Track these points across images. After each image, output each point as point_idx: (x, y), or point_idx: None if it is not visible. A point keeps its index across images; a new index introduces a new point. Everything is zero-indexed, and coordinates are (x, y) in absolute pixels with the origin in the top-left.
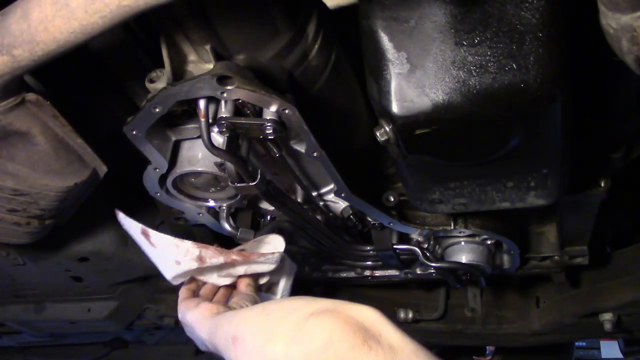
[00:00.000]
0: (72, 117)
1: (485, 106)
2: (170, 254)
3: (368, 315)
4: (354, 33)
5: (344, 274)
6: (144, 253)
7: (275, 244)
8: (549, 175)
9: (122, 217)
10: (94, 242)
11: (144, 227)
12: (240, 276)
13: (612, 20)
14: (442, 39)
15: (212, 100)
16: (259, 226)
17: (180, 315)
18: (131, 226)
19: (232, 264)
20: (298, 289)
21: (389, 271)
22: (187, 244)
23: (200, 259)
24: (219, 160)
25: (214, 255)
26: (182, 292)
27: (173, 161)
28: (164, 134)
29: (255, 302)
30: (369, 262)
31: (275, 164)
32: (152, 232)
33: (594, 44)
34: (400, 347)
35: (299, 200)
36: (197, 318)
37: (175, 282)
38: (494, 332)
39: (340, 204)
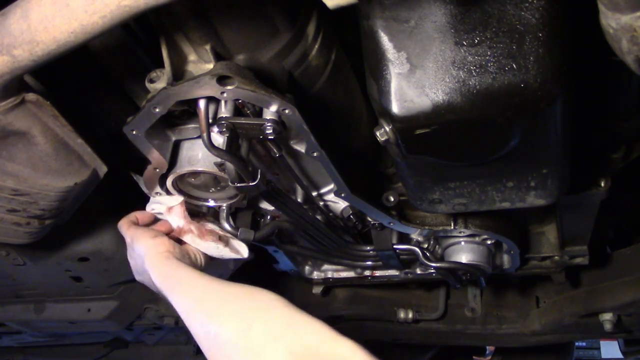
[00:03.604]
0: (72, 117)
1: (485, 106)
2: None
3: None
4: (354, 33)
5: (344, 274)
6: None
7: (241, 251)
8: (549, 175)
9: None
10: (94, 242)
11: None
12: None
13: (612, 20)
14: (442, 39)
15: (212, 100)
16: (259, 226)
17: (128, 238)
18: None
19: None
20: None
21: (389, 271)
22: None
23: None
24: (219, 160)
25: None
26: (137, 214)
27: (173, 161)
28: (164, 134)
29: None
30: (369, 262)
31: (275, 164)
32: None
33: (594, 44)
34: None
35: (299, 200)
36: (150, 252)
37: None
38: (494, 332)
39: (340, 204)
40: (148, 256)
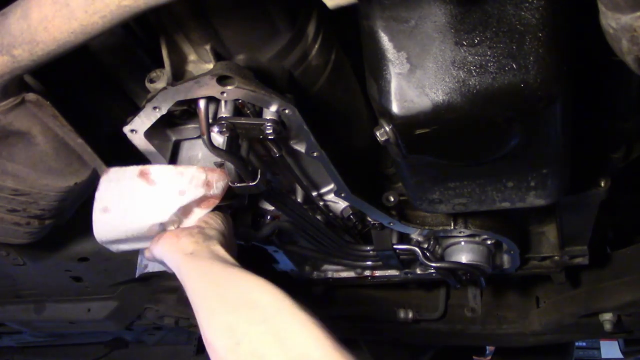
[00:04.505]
0: (72, 117)
1: (485, 106)
2: (173, 185)
3: None
4: (354, 33)
5: (344, 274)
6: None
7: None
8: (549, 175)
9: (115, 170)
10: (94, 242)
11: (142, 166)
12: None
13: (612, 20)
14: (442, 39)
15: (212, 100)
16: (259, 226)
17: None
18: (125, 175)
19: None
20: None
21: (389, 271)
22: (192, 169)
23: (207, 184)
24: (219, 160)
25: (220, 178)
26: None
27: (173, 161)
28: (164, 134)
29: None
30: (369, 262)
31: (275, 164)
32: (153, 168)
33: (594, 44)
34: None
35: (299, 200)
36: (171, 259)
37: (166, 220)
38: (494, 332)
39: (340, 204)
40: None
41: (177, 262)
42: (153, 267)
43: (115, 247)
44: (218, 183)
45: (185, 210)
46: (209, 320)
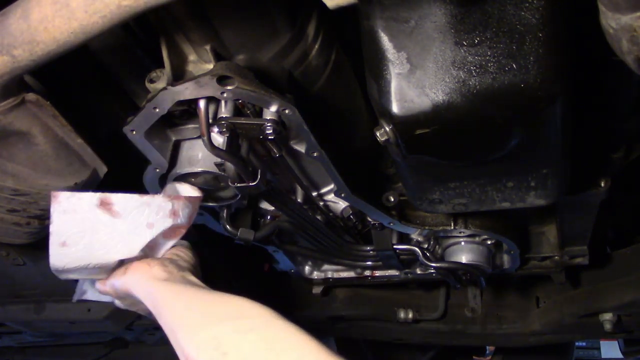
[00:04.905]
0: (72, 117)
1: (486, 106)
2: (140, 218)
3: None
4: (354, 33)
5: (344, 274)
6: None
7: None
8: (549, 175)
9: (67, 197)
10: None
11: (102, 194)
12: None
13: (612, 20)
14: (442, 39)
15: (212, 100)
16: (259, 226)
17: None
18: (82, 205)
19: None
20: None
21: (389, 271)
22: (158, 199)
23: (174, 213)
24: (219, 160)
25: (186, 206)
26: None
27: (173, 161)
28: (164, 134)
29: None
30: (369, 262)
31: (275, 164)
32: (116, 197)
33: (594, 44)
34: None
35: (299, 200)
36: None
37: (135, 256)
38: (494, 332)
39: (340, 204)
40: (136, 288)
41: (149, 289)
42: (92, 296)
43: (65, 276)
44: (184, 211)
45: (151, 243)
46: (190, 336)
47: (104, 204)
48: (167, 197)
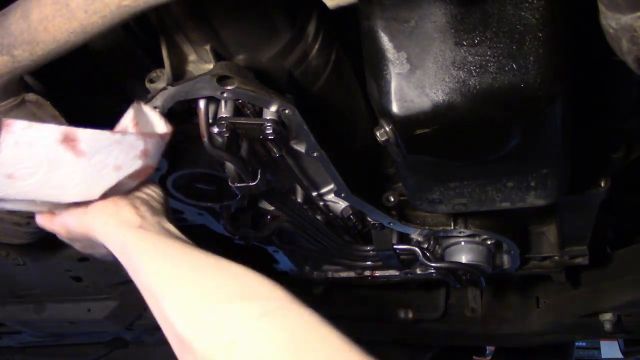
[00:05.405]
0: (72, 117)
1: (486, 106)
2: (107, 158)
3: None
4: (354, 33)
5: (344, 274)
6: None
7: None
8: (549, 175)
9: (22, 126)
10: None
11: (67, 128)
12: None
13: (612, 20)
14: (442, 39)
15: (212, 100)
16: (259, 226)
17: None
18: (40, 139)
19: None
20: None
21: (389, 271)
22: (131, 137)
23: (144, 153)
24: (218, 160)
25: (157, 144)
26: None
27: (173, 161)
28: None
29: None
30: (369, 262)
31: (275, 164)
32: (83, 133)
33: (594, 44)
34: None
35: (299, 200)
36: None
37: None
38: (494, 332)
39: (340, 204)
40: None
41: (117, 236)
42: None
43: (1, 205)
44: (155, 150)
45: (116, 185)
46: (184, 312)
47: (67, 140)
48: (140, 135)
